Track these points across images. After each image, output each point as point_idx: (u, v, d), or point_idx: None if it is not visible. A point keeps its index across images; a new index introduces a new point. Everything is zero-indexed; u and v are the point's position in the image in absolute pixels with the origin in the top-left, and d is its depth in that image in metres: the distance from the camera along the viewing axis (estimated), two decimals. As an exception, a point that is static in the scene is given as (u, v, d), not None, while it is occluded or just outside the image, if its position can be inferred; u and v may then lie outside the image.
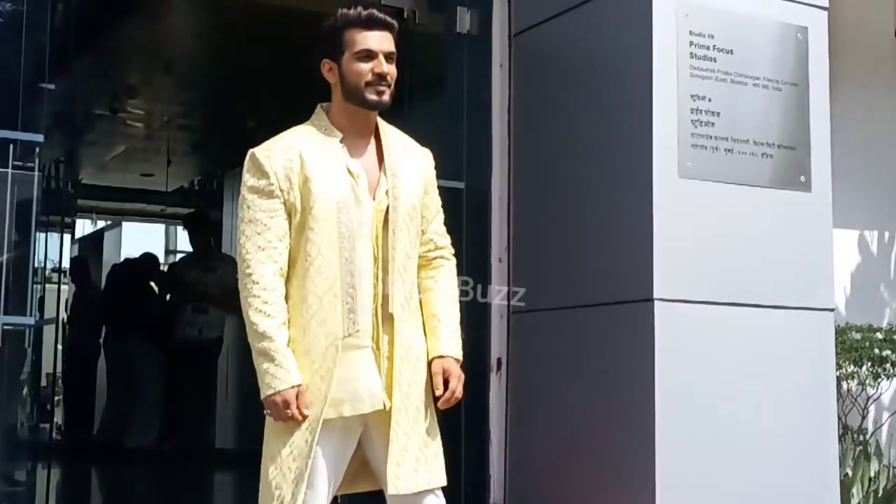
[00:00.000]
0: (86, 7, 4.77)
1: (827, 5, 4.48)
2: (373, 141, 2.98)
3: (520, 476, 4.57)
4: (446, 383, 2.95)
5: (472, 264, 4.79)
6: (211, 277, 7.76)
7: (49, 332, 8.12)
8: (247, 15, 6.21)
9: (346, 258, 2.84)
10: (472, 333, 4.77)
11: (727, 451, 4.02)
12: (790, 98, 4.35)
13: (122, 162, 10.86)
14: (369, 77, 2.88)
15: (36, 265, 4.72)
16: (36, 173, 4.18)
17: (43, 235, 4.99)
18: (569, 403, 4.31)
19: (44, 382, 8.15)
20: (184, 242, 13.53)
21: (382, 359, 2.89)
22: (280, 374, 2.79)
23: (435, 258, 3.09)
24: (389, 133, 3.02)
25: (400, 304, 2.91)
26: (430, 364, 2.97)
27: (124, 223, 12.28)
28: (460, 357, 3.03)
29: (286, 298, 2.87)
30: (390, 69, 2.91)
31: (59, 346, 8.48)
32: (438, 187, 3.15)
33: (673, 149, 4.05)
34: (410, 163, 3.01)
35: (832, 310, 4.38)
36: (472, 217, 4.82)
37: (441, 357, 2.97)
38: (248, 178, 2.89)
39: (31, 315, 4.43)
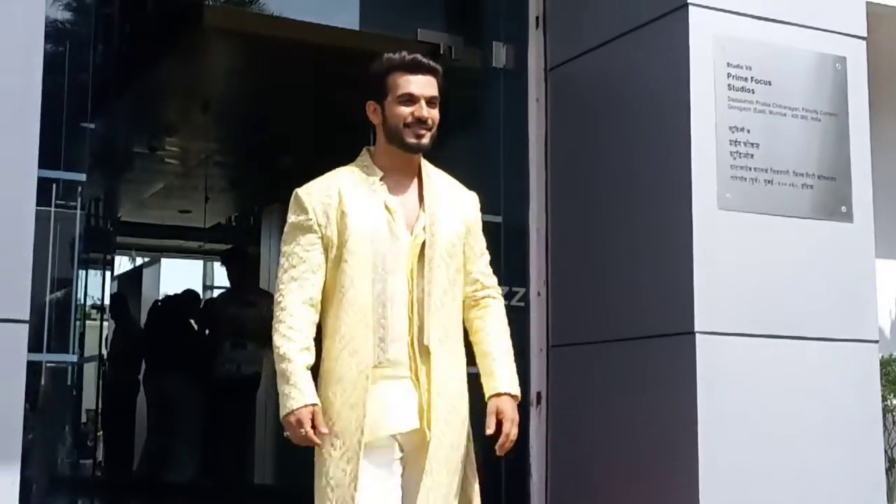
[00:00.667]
0: (126, 47, 4.85)
1: (865, 35, 4.46)
2: (416, 181, 3.05)
3: (561, 511, 4.54)
4: (500, 425, 2.98)
5: (510, 298, 4.79)
6: (250, 313, 7.76)
7: (89, 369, 8.17)
8: (283, 53, 6.27)
9: (378, 290, 2.91)
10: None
11: (772, 486, 3.97)
12: (829, 128, 4.32)
13: (161, 199, 10.95)
14: (409, 120, 2.96)
15: (77, 302, 4.75)
16: (78, 212, 4.23)
17: (84, 273, 5.03)
18: (610, 438, 4.28)
19: (84, 419, 8.19)
20: (221, 278, 13.61)
21: (422, 391, 2.93)
22: (294, 395, 2.84)
23: (482, 297, 3.14)
24: (433, 174, 3.09)
25: (437, 338, 2.95)
26: (488, 402, 3.02)
27: (163, 259, 12.38)
28: (518, 393, 3.07)
29: (323, 329, 2.97)
30: (431, 113, 2.97)
31: (101, 383, 8.52)
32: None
33: (712, 180, 4.03)
34: (453, 203, 3.06)
35: (876, 341, 4.33)
36: (511, 251, 4.82)
37: (497, 396, 3.03)
38: (290, 215, 3.00)
39: (73, 352, 4.47)
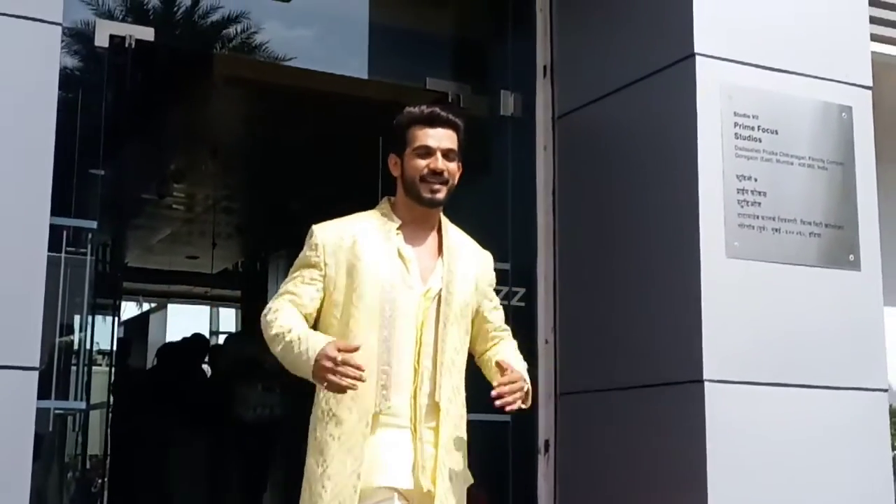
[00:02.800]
0: (136, 95, 4.88)
1: (871, 84, 4.49)
2: (434, 235, 3.06)
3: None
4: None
5: (519, 345, 4.79)
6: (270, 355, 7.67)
7: (95, 416, 8.14)
8: (291, 101, 6.31)
9: (385, 336, 2.90)
10: (519, 415, 4.75)
11: (782, 536, 3.95)
12: (836, 177, 4.34)
13: (168, 245, 11.00)
14: (425, 172, 2.96)
15: (85, 349, 4.76)
16: (88, 258, 4.25)
17: (91, 318, 5.04)
18: (618, 486, 4.26)
19: (88, 465, 8.14)
20: (228, 324, 13.62)
21: (422, 444, 2.90)
22: (311, 343, 2.78)
23: (497, 342, 3.19)
24: (451, 230, 3.10)
25: (447, 396, 2.96)
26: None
27: (170, 305, 12.39)
28: (528, 381, 3.02)
29: None
30: (448, 166, 2.97)
31: (107, 430, 8.49)
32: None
33: (720, 229, 4.04)
34: (470, 261, 3.08)
35: (886, 390, 4.31)
36: (518, 298, 4.83)
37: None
38: (304, 250, 3.03)
39: (80, 399, 4.46)
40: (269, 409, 7.87)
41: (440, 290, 2.97)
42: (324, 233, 3.00)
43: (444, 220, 3.09)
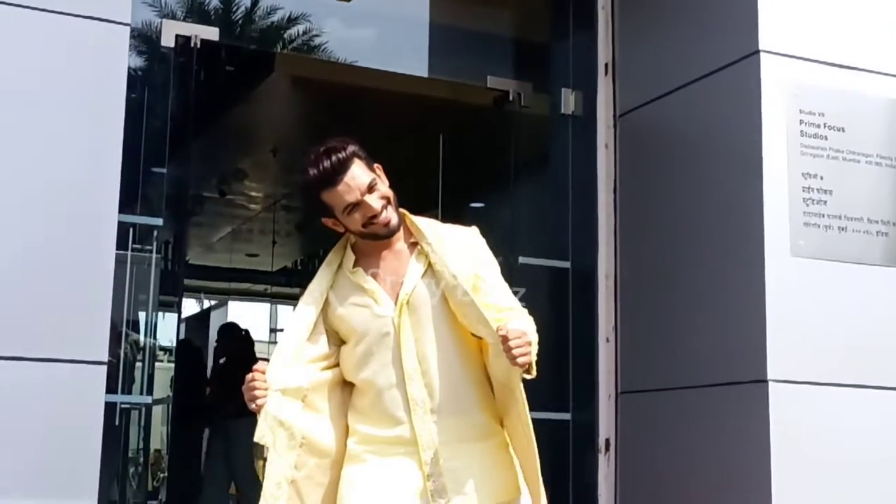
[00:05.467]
0: (200, 94, 4.94)
1: (939, 81, 4.42)
2: (402, 244, 2.93)
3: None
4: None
5: (579, 344, 4.78)
6: None
7: (157, 410, 8.25)
8: (352, 100, 6.35)
9: (364, 377, 2.85)
10: (579, 414, 4.75)
11: (847, 538, 3.90)
12: (904, 175, 4.28)
13: (229, 242, 11.11)
14: (365, 221, 2.83)
15: (150, 344, 4.83)
16: (154, 255, 4.31)
17: (155, 315, 5.11)
18: (680, 487, 4.23)
19: (152, 460, 8.26)
20: (287, 321, 13.71)
21: (429, 466, 2.78)
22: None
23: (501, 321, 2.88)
24: (423, 224, 2.95)
25: (445, 407, 2.81)
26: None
27: (230, 302, 12.52)
28: (532, 338, 2.74)
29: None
30: (380, 198, 2.84)
31: (169, 425, 8.61)
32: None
33: (785, 227, 4.01)
34: (447, 248, 2.90)
35: (954, 391, 4.24)
36: (579, 297, 4.82)
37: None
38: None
39: (145, 394, 4.53)
40: None
41: (418, 297, 2.84)
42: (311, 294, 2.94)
43: (414, 220, 2.95)
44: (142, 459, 6.04)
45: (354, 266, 2.92)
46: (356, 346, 2.87)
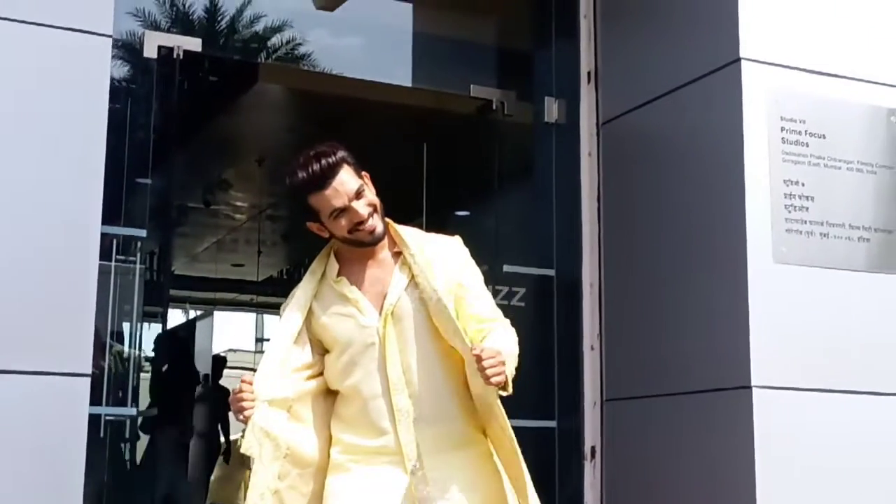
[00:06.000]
0: (183, 105, 4.94)
1: (919, 88, 4.45)
2: (385, 252, 2.95)
3: (616, 568, 4.49)
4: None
5: (564, 351, 4.79)
6: None
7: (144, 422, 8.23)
8: (336, 110, 6.36)
9: (351, 382, 2.87)
10: (565, 421, 4.76)
11: (832, 544, 3.92)
12: (884, 181, 4.30)
13: (214, 252, 11.11)
14: (351, 227, 2.85)
15: (135, 355, 4.82)
16: (137, 266, 4.30)
17: (140, 326, 5.10)
18: (666, 494, 4.24)
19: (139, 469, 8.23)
20: (273, 331, 13.69)
21: (415, 476, 2.81)
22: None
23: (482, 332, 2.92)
24: (406, 233, 2.97)
25: (428, 415, 2.84)
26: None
27: (216, 312, 12.50)
28: (506, 357, 2.75)
29: None
30: (367, 205, 2.86)
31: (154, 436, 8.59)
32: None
33: (767, 234, 4.02)
34: (430, 258, 2.92)
35: (937, 396, 4.27)
36: (563, 305, 4.83)
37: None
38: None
39: (131, 405, 4.52)
40: None
41: (405, 304, 2.86)
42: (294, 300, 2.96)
43: (397, 229, 2.98)
44: (130, 470, 6.02)
45: (338, 275, 2.93)
46: (340, 355, 2.88)
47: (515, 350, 2.88)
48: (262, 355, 9.57)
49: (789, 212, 4.08)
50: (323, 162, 2.84)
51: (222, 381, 10.98)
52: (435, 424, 2.83)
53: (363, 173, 2.93)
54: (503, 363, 2.70)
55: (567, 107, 4.99)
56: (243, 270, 11.77)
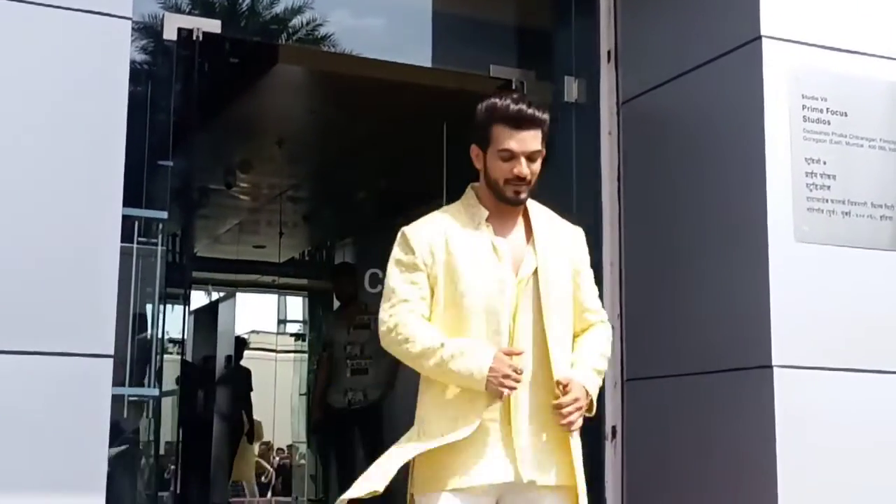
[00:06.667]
0: (204, 86, 4.95)
1: (943, 64, 4.40)
2: (521, 220, 3.01)
3: (637, 547, 4.50)
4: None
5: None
6: (365, 335, 7.28)
7: (167, 402, 8.28)
8: (356, 90, 6.36)
9: (492, 331, 2.87)
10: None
11: (854, 523, 3.91)
12: (907, 159, 4.27)
13: (236, 234, 11.13)
14: (509, 176, 2.89)
15: (158, 337, 4.85)
16: (159, 248, 4.32)
17: (163, 308, 5.13)
18: (686, 473, 4.24)
19: (162, 451, 8.29)
20: (295, 312, 13.75)
21: (520, 436, 2.85)
22: (478, 355, 2.80)
23: (587, 327, 3.09)
24: (538, 212, 3.04)
25: (541, 380, 2.89)
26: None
27: (238, 294, 12.53)
28: (590, 389, 2.92)
29: None
30: (531, 168, 2.91)
31: (179, 417, 8.65)
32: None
33: (788, 213, 4.01)
34: (560, 242, 3.02)
35: (959, 374, 4.24)
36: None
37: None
38: (396, 252, 2.98)
39: (153, 386, 4.55)
40: (382, 388, 7.57)
41: (533, 277, 2.92)
42: (417, 234, 2.96)
43: (531, 202, 3.03)
44: (152, 451, 6.07)
45: (487, 221, 2.96)
46: (465, 299, 2.89)
47: (605, 358, 3.07)
48: (283, 337, 9.63)
49: (811, 190, 4.06)
50: (532, 110, 2.91)
51: (243, 362, 11.05)
52: (545, 393, 2.88)
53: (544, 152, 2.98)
54: (581, 408, 2.86)
55: (587, 86, 4.98)
56: (265, 252, 11.78)
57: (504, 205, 2.96)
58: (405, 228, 3.00)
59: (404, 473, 2.92)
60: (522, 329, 2.89)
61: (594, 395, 2.95)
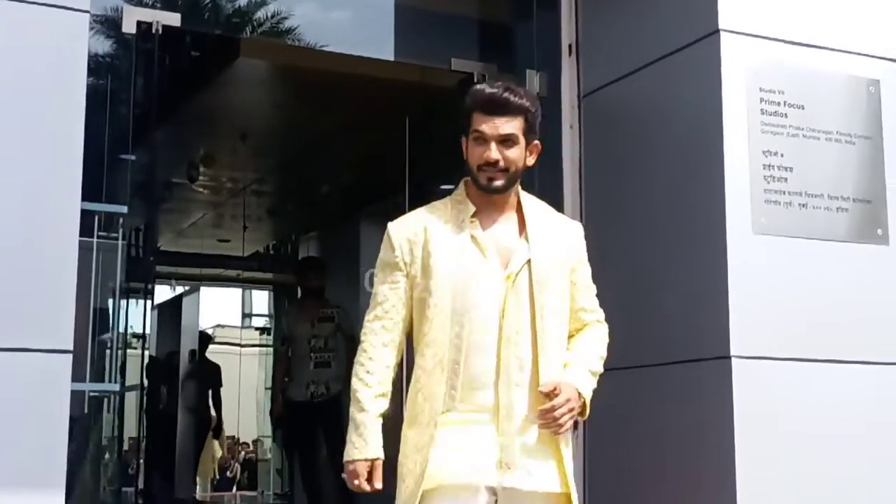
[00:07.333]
0: (164, 80, 4.92)
1: (898, 58, 4.46)
2: (513, 214, 2.95)
3: (599, 537, 4.53)
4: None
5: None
6: (328, 327, 7.35)
7: (130, 398, 8.24)
8: (318, 84, 6.35)
9: (455, 333, 2.81)
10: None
11: (811, 511, 3.96)
12: (864, 151, 4.32)
13: (199, 228, 11.07)
14: (480, 161, 2.85)
15: (119, 332, 4.83)
16: (119, 242, 4.30)
17: (125, 302, 5.11)
18: (647, 464, 4.28)
19: (126, 447, 8.25)
20: (260, 306, 13.71)
21: (509, 438, 2.79)
22: (358, 445, 2.83)
23: (582, 327, 3.05)
24: (532, 206, 2.99)
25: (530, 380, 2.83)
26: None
27: (202, 288, 12.47)
28: (583, 391, 2.89)
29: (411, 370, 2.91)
30: (504, 155, 2.85)
31: (142, 412, 8.60)
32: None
33: (746, 205, 4.04)
34: (556, 237, 2.96)
35: (916, 364, 4.30)
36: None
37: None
38: (381, 251, 2.96)
39: (115, 381, 4.53)
40: (344, 381, 7.51)
41: (527, 272, 2.86)
42: (398, 231, 2.92)
43: (525, 197, 2.98)
44: (116, 447, 6.04)
45: (473, 216, 2.91)
46: (437, 298, 2.83)
47: (601, 360, 3.06)
48: (247, 331, 9.62)
49: (768, 182, 4.10)
50: (507, 95, 2.86)
51: (210, 358, 11.01)
52: (533, 392, 2.82)
53: (535, 143, 2.94)
54: (572, 409, 2.83)
55: (548, 79, 5.00)
56: (229, 246, 11.74)
57: (490, 196, 2.90)
58: (389, 224, 2.96)
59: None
60: (512, 326, 2.83)
61: (588, 397, 2.91)
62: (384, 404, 2.87)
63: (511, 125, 2.86)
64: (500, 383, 2.81)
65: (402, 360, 2.96)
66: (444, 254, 2.86)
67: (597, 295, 3.12)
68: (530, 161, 2.94)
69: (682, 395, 4.14)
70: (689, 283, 4.15)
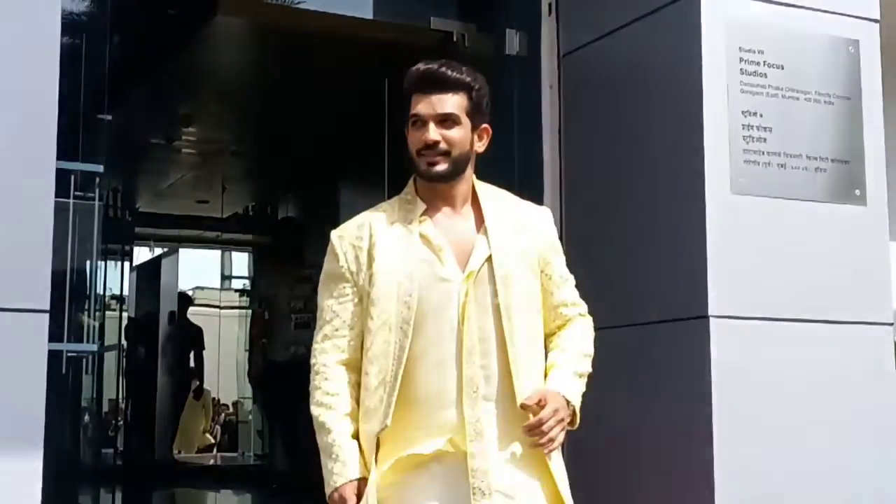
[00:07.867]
0: (142, 38, 4.88)
1: (878, 18, 4.45)
2: (468, 208, 2.67)
3: (575, 497, 4.55)
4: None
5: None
6: (306, 288, 7.20)
7: (109, 358, 8.24)
8: (298, 43, 6.30)
9: (397, 344, 2.51)
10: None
11: (787, 471, 3.99)
12: (843, 112, 4.33)
13: (178, 189, 11.02)
14: (419, 145, 2.58)
15: (97, 292, 4.81)
16: (96, 202, 4.27)
17: (103, 263, 5.09)
18: (622, 424, 4.30)
19: (106, 408, 8.27)
20: (240, 268, 13.67)
21: (479, 461, 2.48)
22: (338, 470, 2.54)
23: (564, 323, 2.78)
24: (490, 194, 2.72)
25: (497, 388, 2.54)
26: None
27: (181, 250, 12.43)
28: (571, 398, 2.62)
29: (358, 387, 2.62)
30: (442, 135, 2.56)
31: (120, 373, 8.61)
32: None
33: (725, 165, 4.04)
34: (520, 227, 2.67)
35: (891, 324, 4.33)
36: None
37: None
38: (325, 263, 2.69)
39: (93, 342, 4.52)
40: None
41: (488, 269, 2.56)
42: (342, 238, 2.64)
43: (482, 187, 2.70)
44: (95, 408, 6.03)
45: (423, 215, 2.63)
46: (380, 308, 2.55)
47: (588, 358, 2.78)
48: (227, 293, 9.64)
49: (747, 143, 4.10)
50: (444, 69, 2.59)
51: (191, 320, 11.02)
52: (503, 405, 2.54)
53: (484, 126, 2.68)
54: (562, 420, 2.54)
55: (528, 39, 4.96)
56: (208, 207, 11.68)
57: (439, 189, 2.62)
58: (332, 233, 2.69)
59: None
60: (474, 333, 2.53)
61: (577, 403, 2.63)
62: (352, 426, 2.58)
63: (451, 103, 2.57)
64: (465, 398, 2.50)
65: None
66: (389, 257, 2.56)
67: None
68: (480, 147, 2.67)
69: (659, 355, 4.15)
70: (668, 242, 4.15)
